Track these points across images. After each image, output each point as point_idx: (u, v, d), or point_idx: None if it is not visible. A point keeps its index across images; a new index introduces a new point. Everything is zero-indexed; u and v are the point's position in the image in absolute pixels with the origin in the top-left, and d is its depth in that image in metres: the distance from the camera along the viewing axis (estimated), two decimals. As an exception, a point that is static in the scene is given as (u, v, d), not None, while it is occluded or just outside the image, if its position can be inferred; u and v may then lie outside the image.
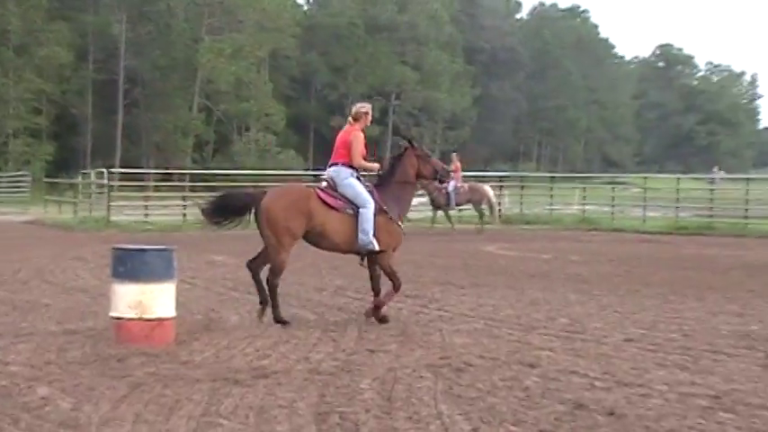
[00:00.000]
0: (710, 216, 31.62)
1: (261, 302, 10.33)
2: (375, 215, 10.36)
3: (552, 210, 36.19)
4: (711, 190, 36.19)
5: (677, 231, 29.11)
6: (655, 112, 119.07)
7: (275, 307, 10.23)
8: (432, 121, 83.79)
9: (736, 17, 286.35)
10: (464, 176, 28.80)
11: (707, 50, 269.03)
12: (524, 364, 8.19)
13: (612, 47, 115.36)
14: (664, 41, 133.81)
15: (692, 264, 18.59)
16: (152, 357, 8.20)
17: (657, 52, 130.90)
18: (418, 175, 11.00)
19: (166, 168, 54.18)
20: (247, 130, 70.03)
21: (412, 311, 11.51)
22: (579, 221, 32.72)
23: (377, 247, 10.42)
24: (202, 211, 10.66)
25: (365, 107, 10.88)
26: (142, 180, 44.94)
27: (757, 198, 35.21)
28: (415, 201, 13.48)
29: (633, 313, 11.41)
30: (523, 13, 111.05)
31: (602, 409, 6.61)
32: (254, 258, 10.47)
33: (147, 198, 34.51)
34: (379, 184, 10.75)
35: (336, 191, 10.40)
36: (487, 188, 28.60)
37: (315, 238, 10.40)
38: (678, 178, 38.22)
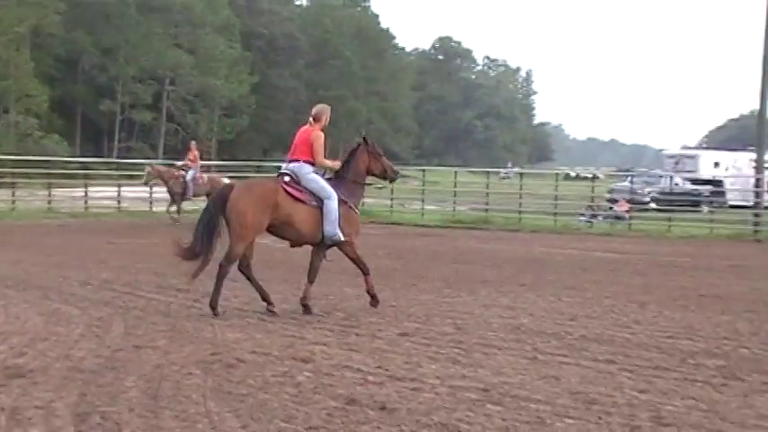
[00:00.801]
0: (486, 210, 32.90)
1: (263, 299, 11.06)
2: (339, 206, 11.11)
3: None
4: (487, 184, 37.59)
5: (454, 225, 30.10)
6: (434, 104, 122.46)
7: (216, 292, 10.72)
8: (208, 109, 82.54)
9: (513, 13, 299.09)
10: (203, 166, 28.38)
11: (485, 45, 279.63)
12: (297, 359, 8.27)
13: (393, 38, 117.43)
14: (443, 34, 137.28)
15: (467, 257, 19.29)
16: None
17: (437, 45, 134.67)
18: (368, 172, 11.78)
19: None
20: (6, 111, 66.56)
21: (183, 306, 11.41)
22: (358, 214, 33.23)
23: (342, 238, 11.19)
24: (189, 251, 10.88)
25: (326, 109, 11.66)
26: None
27: (531, 193, 36.99)
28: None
29: (408, 307, 11.74)
30: (303, 0, 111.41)
31: (375, 403, 6.78)
32: (240, 261, 10.99)
33: None
34: (334, 178, 11.48)
35: (299, 184, 11.06)
36: (226, 180, 28.32)
37: (280, 228, 11.01)
38: (456, 172, 39.56)
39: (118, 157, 58.68)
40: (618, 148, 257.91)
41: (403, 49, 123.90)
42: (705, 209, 36.83)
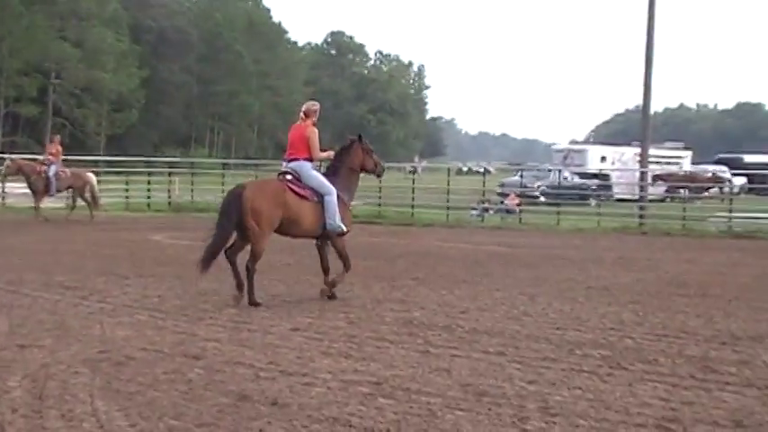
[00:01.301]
0: (379, 205, 33.02)
1: (237, 287, 11.39)
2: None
3: (224, 197, 36.18)
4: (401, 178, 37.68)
5: (348, 220, 30.09)
6: (327, 99, 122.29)
7: (251, 291, 11.32)
8: (96, 103, 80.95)
9: (404, 7, 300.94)
10: (65, 161, 27.68)
11: (377, 39, 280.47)
12: (189, 356, 8.19)
13: (285, 32, 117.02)
14: (336, 29, 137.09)
15: (361, 252, 19.25)
16: None
17: (329, 40, 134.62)
18: (362, 168, 12.55)
19: None
20: None
21: (70, 304, 11.16)
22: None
23: (345, 229, 12.02)
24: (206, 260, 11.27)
25: (315, 105, 12.46)
26: None
27: (423, 187, 37.28)
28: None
29: (301, 302, 11.74)
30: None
31: (266, 399, 6.76)
32: (230, 247, 11.54)
33: None
34: (330, 174, 12.22)
35: (301, 182, 11.78)
36: (90, 175, 27.69)
37: (287, 225, 11.64)
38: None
39: (2, 152, 57.03)
40: (509, 142, 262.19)
41: (295, 43, 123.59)
42: (593, 202, 37.68)
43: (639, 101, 31.98)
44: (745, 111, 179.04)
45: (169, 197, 34.50)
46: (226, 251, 11.49)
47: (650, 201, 31.98)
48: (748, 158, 66.87)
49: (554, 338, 9.52)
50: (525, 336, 9.66)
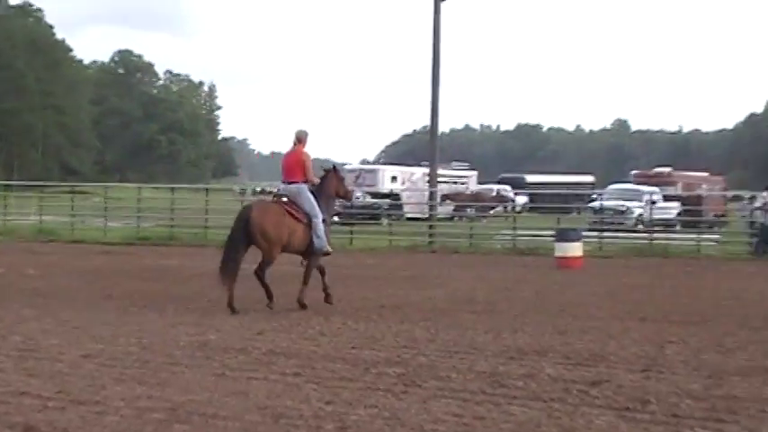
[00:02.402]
0: (172, 226, 32.40)
1: (269, 298, 13.28)
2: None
3: (7, 220, 34.60)
4: (172, 200, 36.96)
5: (139, 242, 29.44)
6: (115, 119, 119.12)
7: (267, 291, 13.29)
8: None
9: (194, 26, 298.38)
10: None
11: (166, 58, 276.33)
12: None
13: (70, 49, 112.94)
14: (123, 47, 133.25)
15: (153, 275, 18.93)
16: None
17: (117, 58, 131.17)
18: (336, 193, 14.15)
19: None
20: None
21: None
22: (37, 232, 31.67)
23: (330, 250, 13.81)
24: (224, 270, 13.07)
25: (306, 131, 13.93)
26: None
27: (216, 208, 36.84)
28: None
29: (92, 328, 11.36)
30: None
31: (55, 430, 6.52)
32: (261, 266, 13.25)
33: None
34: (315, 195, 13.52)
35: (296, 205, 13.15)
36: None
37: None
38: (140, 188, 38.69)
39: None
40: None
41: (81, 61, 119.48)
42: (384, 221, 38.36)
43: (427, 122, 32.82)
44: (525, 132, 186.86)
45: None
46: (255, 271, 13.18)
47: (439, 220, 32.83)
48: (530, 178, 70.03)
49: (350, 358, 9.62)
50: (321, 356, 9.71)
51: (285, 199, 13.35)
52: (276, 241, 13.02)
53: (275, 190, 14.18)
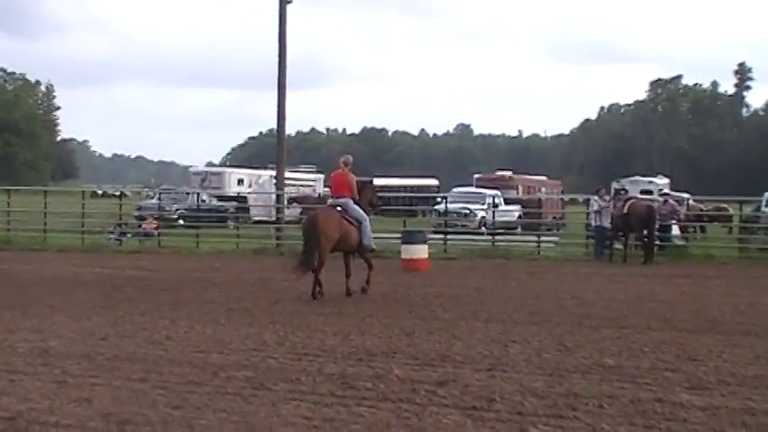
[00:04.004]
0: (8, 230, 31.19)
1: (319, 292, 15.69)
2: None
3: None
4: (8, 203, 35.57)
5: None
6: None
7: (319, 286, 15.67)
8: None
9: (26, 22, 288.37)
10: None
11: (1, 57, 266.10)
12: None
13: None
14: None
15: (-12, 280, 18.17)
16: None
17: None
18: (369, 202, 17.11)
19: None
20: None
21: None
22: None
23: (374, 246, 17.46)
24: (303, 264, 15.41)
25: (350, 157, 17.16)
26: None
27: (56, 211, 35.68)
28: None
29: None
30: None
31: None
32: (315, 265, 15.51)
33: None
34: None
35: (348, 213, 16.13)
36: None
37: (341, 243, 15.92)
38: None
39: None
40: (145, 165, 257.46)
41: None
42: (231, 224, 37.99)
43: (273, 125, 32.57)
44: (371, 135, 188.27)
45: None
46: (313, 270, 15.43)
47: (287, 222, 32.71)
48: (376, 181, 70.48)
49: (197, 362, 9.47)
50: (168, 360, 9.54)
51: (339, 208, 16.17)
52: (331, 239, 15.60)
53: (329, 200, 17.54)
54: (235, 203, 42.56)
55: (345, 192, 16.50)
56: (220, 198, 44.53)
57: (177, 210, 39.47)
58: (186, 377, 8.67)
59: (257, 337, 11.15)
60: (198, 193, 39.85)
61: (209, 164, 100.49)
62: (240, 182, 52.35)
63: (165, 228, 33.66)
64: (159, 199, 40.49)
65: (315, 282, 15.65)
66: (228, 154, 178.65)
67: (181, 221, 37.38)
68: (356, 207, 16.38)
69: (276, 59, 30.73)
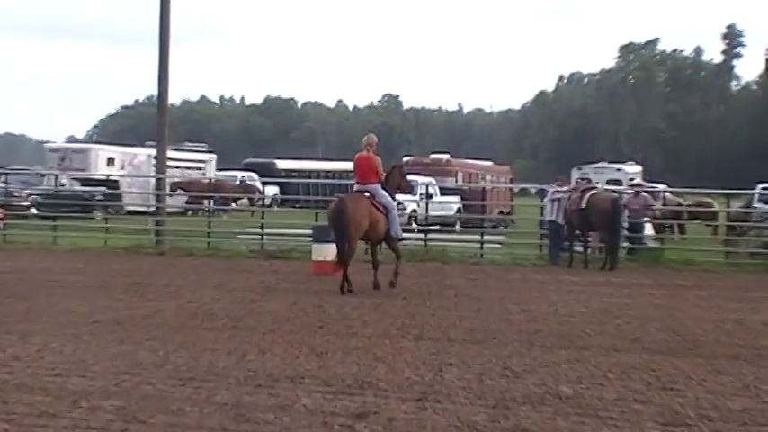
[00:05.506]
0: None
1: (348, 286, 17.99)
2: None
3: None
4: None
5: None
6: None
7: (347, 281, 17.98)
8: None
9: None
10: None
11: None
12: None
13: None
14: None
15: None
16: None
17: None
18: (398, 187, 19.29)
19: None
20: None
21: None
22: None
23: (402, 235, 19.63)
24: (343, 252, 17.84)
25: (375, 137, 19.02)
26: None
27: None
28: None
29: None
30: None
31: None
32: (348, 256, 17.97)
33: None
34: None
35: (375, 199, 18.19)
36: None
37: (369, 231, 18.03)
38: None
39: None
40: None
41: None
42: (98, 215, 37.61)
43: (153, 91, 32.29)
44: (276, 107, 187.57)
45: None
46: (347, 259, 17.82)
47: (169, 214, 32.51)
48: (281, 164, 70.42)
49: (53, 388, 9.39)
50: (15, 386, 9.45)
51: (367, 194, 18.13)
52: (361, 227, 17.75)
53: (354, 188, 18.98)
54: (103, 189, 42.13)
55: (372, 177, 18.46)
56: (85, 182, 44.04)
57: (29, 196, 38.90)
58: (38, 407, 8.57)
59: (130, 357, 11.07)
60: (56, 176, 39.34)
61: (71, 139, 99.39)
62: (110, 162, 51.85)
63: (13, 218, 33.16)
64: (5, 182, 39.83)
65: (343, 276, 17.78)
66: (95, 127, 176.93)
67: (33, 210, 36.88)
68: (384, 193, 18.44)
69: (158, 5, 30.30)
